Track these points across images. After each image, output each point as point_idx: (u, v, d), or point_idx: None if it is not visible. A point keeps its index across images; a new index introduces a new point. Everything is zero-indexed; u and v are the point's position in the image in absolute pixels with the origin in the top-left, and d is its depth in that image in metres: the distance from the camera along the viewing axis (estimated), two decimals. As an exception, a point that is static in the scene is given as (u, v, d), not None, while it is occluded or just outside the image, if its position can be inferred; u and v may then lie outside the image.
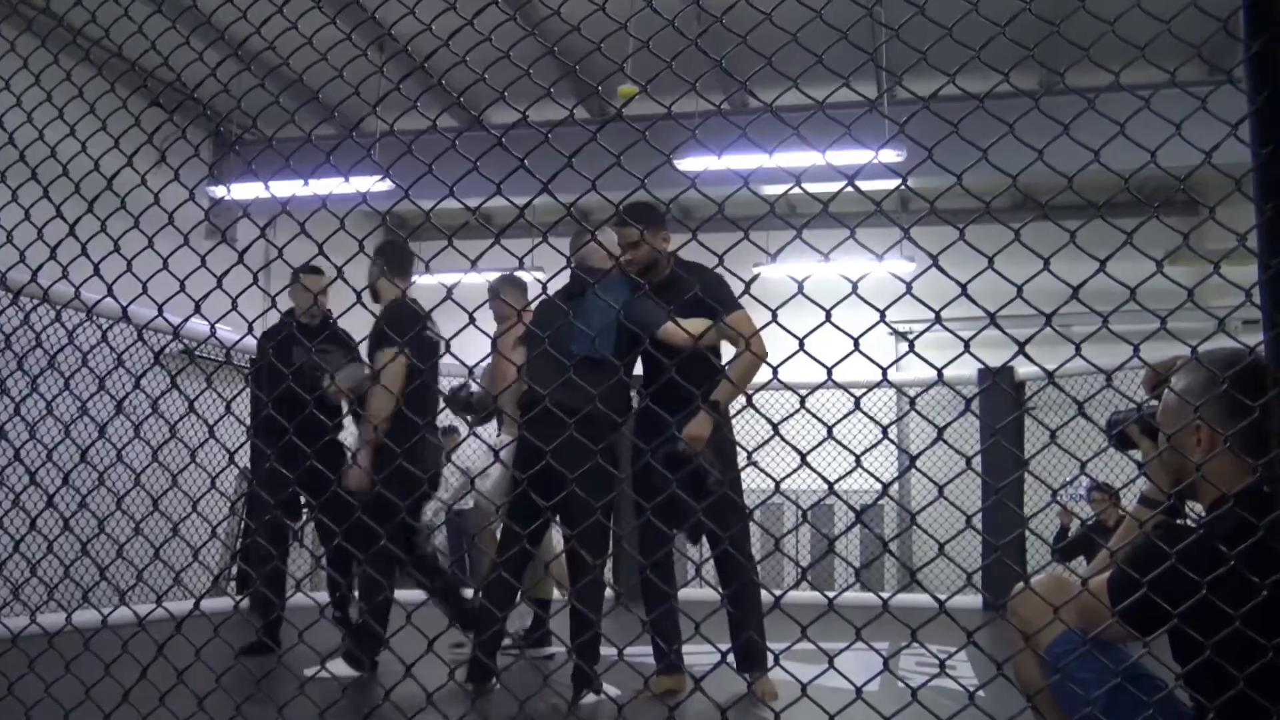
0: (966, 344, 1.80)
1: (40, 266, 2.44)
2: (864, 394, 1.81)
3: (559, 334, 3.43)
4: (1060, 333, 1.77)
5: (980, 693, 1.78)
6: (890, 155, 4.83)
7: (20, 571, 2.42)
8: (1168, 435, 1.81)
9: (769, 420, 1.90)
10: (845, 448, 1.83)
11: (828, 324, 1.81)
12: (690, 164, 5.63)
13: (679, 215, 8.42)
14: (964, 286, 1.76)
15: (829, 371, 1.81)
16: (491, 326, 3.90)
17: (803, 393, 1.86)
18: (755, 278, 2.00)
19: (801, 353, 1.82)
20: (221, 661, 2.11)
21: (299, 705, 2.09)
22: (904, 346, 1.93)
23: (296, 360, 4.21)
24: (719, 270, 1.84)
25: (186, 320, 2.33)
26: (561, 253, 1.98)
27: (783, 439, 1.82)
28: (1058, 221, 1.81)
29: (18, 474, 2.40)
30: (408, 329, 3.67)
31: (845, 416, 1.78)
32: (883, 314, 1.80)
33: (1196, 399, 1.75)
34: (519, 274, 4.73)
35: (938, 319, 1.78)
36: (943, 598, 1.85)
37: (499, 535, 4.05)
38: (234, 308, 2.29)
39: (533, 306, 3.18)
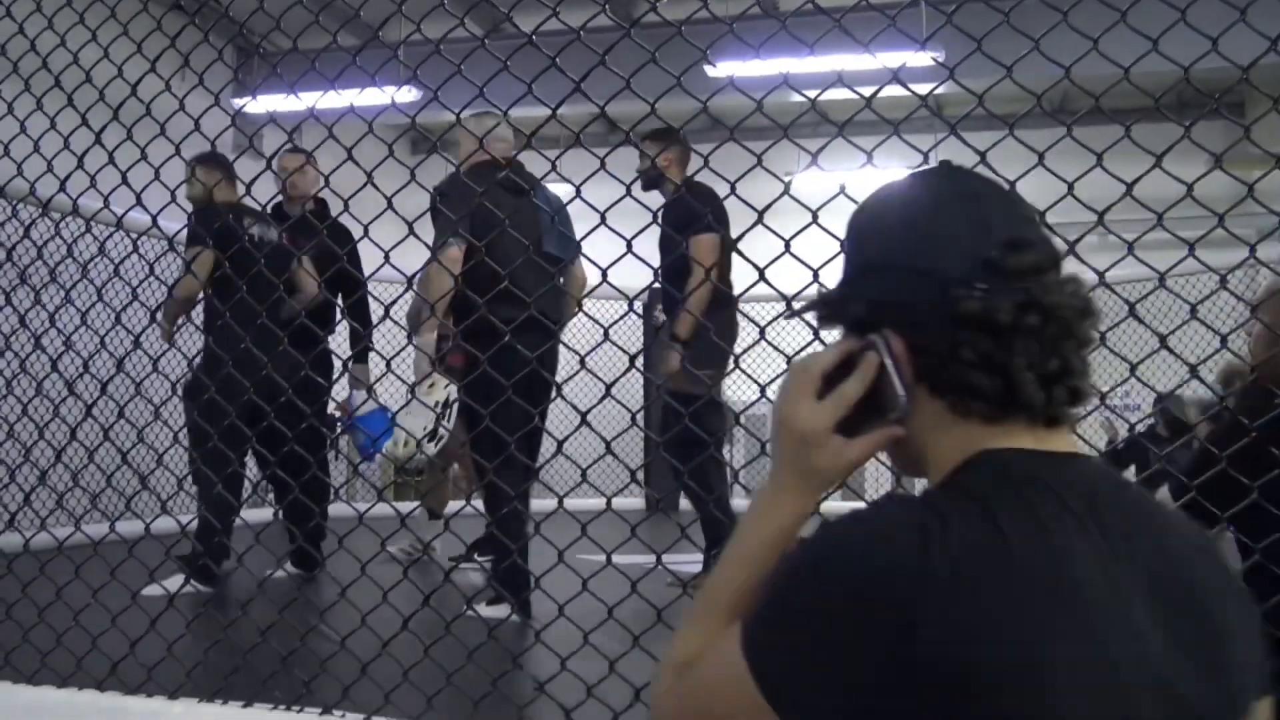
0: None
1: (68, 177, 2.41)
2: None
3: (512, 231, 3.15)
4: (1113, 232, 1.71)
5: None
6: (927, 57, 4.69)
7: (64, 482, 2.45)
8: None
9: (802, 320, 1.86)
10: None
11: (837, 239, 1.76)
12: (721, 69, 5.48)
13: (708, 124, 8.25)
14: (1013, 184, 1.69)
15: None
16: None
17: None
18: (789, 185, 1.94)
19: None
20: (262, 568, 2.14)
21: (339, 611, 2.11)
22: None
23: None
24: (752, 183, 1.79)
25: (218, 226, 2.31)
26: (596, 154, 1.92)
27: (822, 340, 1.78)
28: (1116, 119, 1.73)
29: (56, 386, 2.42)
30: (214, 228, 3.25)
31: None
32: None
33: None
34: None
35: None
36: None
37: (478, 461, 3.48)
38: (262, 217, 2.26)
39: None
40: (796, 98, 1.91)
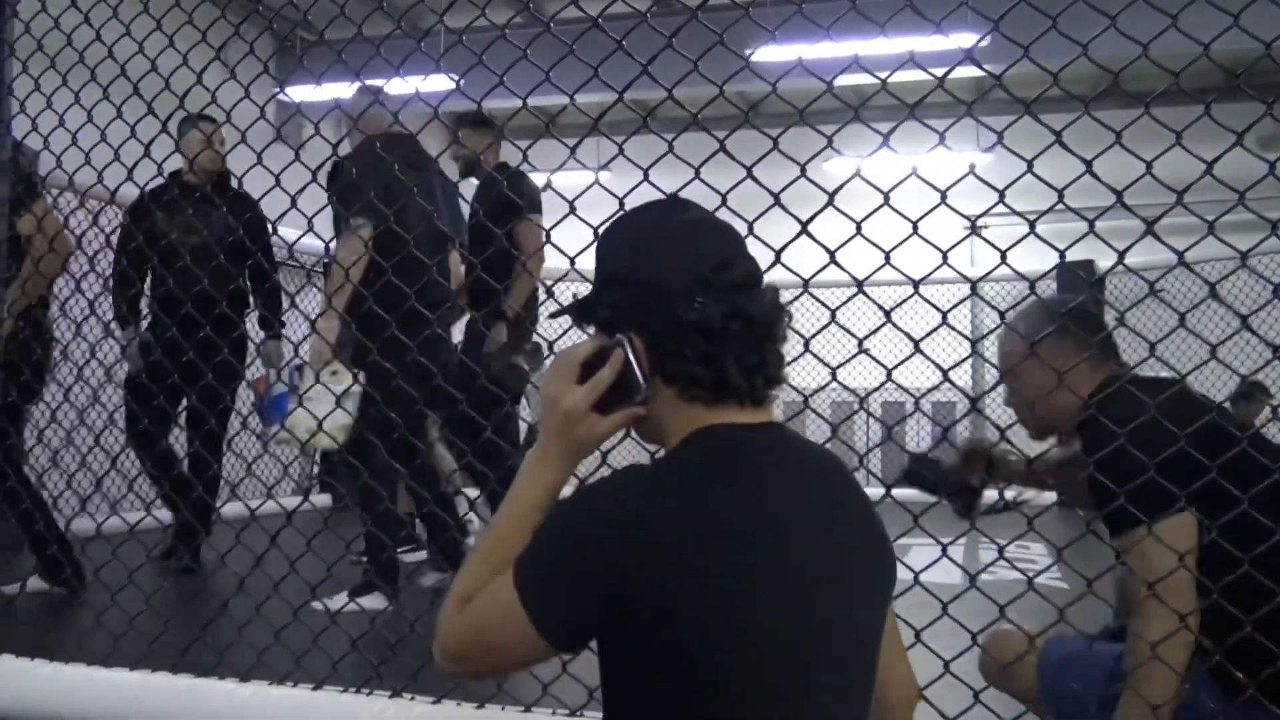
0: (1091, 224, 1.72)
1: (135, 165, 2.43)
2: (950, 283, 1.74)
3: (413, 210, 2.98)
4: (1196, 214, 1.68)
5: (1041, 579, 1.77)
6: (975, 38, 4.65)
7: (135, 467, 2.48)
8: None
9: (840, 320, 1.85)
10: (915, 344, 1.79)
11: (909, 221, 1.75)
12: (765, 54, 5.44)
13: (743, 108, 8.19)
14: (1089, 164, 1.68)
15: (887, 256, 1.76)
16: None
17: (875, 287, 1.81)
18: (856, 173, 1.92)
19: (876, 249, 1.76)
20: (333, 551, 2.16)
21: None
22: (979, 244, 1.85)
23: (163, 226, 3.64)
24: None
25: (279, 218, 2.33)
26: (665, 138, 1.91)
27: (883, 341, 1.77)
28: (1198, 98, 1.69)
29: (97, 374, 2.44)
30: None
31: (908, 299, 1.74)
32: (1001, 194, 1.73)
33: (1040, 332, 1.80)
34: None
35: (1060, 198, 1.71)
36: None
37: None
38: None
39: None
40: (837, 82, 1.91)
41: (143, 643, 2.22)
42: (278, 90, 2.34)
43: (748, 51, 2.27)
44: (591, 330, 1.17)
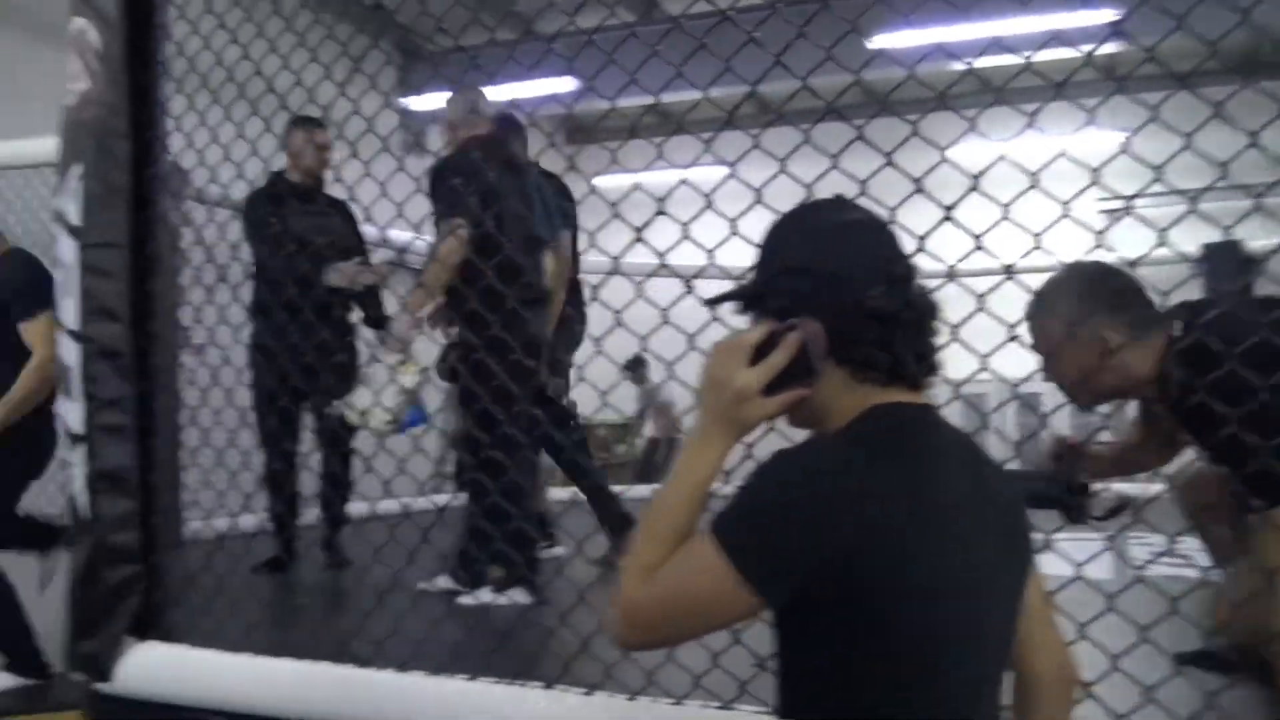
0: (1258, 199, 1.64)
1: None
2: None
3: (511, 208, 3.03)
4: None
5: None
6: (1107, 14, 4.47)
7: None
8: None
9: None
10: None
11: (1060, 203, 1.70)
12: (883, 41, 5.33)
13: (865, 96, 8.03)
14: (1255, 135, 1.59)
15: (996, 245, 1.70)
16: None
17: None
18: (1001, 157, 1.87)
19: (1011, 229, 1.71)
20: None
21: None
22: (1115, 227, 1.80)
23: (294, 227, 3.64)
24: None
25: (418, 224, 2.40)
26: (801, 130, 1.89)
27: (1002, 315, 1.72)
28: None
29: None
30: None
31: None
32: (1158, 171, 1.66)
33: (1087, 312, 1.86)
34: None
35: (1224, 173, 1.63)
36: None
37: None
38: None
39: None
40: (953, 67, 1.87)
41: (302, 634, 2.32)
42: (407, 100, 2.39)
43: (870, 38, 2.23)
44: (747, 320, 1.23)
